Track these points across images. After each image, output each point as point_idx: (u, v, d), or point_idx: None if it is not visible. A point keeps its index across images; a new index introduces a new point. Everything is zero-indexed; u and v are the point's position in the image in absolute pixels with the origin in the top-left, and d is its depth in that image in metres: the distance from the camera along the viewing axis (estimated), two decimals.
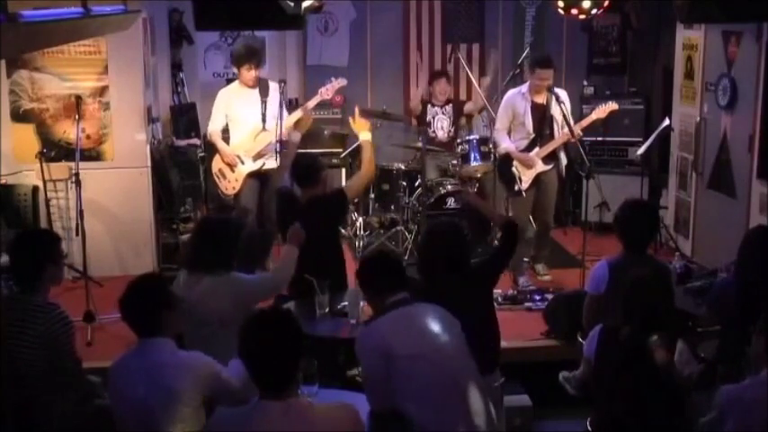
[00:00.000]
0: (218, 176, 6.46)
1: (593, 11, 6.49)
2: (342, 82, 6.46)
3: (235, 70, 6.40)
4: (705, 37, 6.80)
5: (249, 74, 6.26)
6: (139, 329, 3.30)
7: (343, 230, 7.27)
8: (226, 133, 6.51)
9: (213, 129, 6.46)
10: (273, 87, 6.37)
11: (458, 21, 8.51)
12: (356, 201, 6.96)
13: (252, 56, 6.26)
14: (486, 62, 8.33)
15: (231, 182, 6.38)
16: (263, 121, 6.33)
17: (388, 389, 3.31)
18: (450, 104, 7.77)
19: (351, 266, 6.45)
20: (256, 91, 6.35)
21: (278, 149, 6.11)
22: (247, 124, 6.37)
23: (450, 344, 3.38)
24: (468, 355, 3.44)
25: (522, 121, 6.45)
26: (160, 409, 3.15)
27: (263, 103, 6.34)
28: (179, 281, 4.03)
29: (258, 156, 6.34)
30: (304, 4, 4.16)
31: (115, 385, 3.30)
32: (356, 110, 5.68)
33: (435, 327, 3.40)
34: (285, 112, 6.24)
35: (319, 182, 5.03)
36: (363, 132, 5.33)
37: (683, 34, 7.16)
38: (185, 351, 3.35)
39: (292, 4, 3.81)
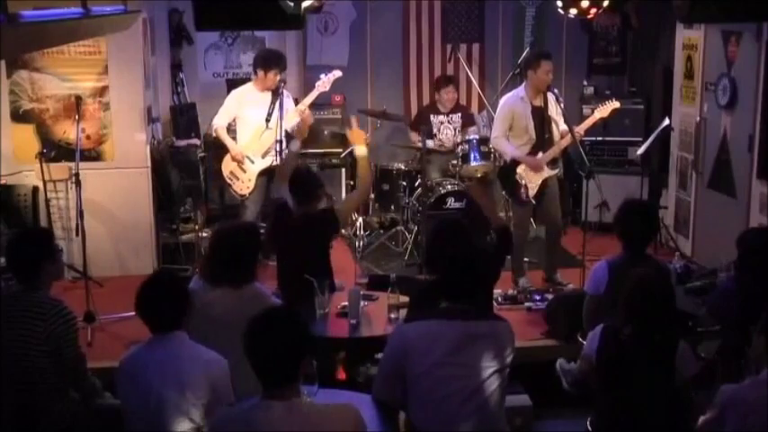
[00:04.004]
0: (230, 179, 6.57)
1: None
2: (337, 74, 6.54)
3: (260, 72, 6.44)
4: (705, 37, 6.80)
5: (275, 78, 6.41)
6: (159, 326, 3.31)
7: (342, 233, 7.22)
8: (231, 132, 6.67)
9: (219, 124, 6.57)
10: (287, 94, 6.50)
11: (458, 21, 8.52)
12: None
13: (280, 60, 6.49)
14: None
15: (245, 182, 6.52)
16: (267, 120, 6.46)
17: (396, 387, 3.30)
18: (458, 113, 7.68)
19: (351, 267, 6.52)
20: (269, 95, 6.48)
21: (278, 149, 6.15)
22: (253, 125, 6.52)
23: (470, 385, 3.26)
24: (488, 406, 3.29)
25: (525, 127, 6.18)
26: (172, 401, 3.17)
27: (273, 105, 6.44)
28: (197, 286, 4.04)
29: (266, 153, 6.49)
30: (304, 4, 4.16)
31: (128, 378, 3.30)
32: (353, 120, 5.67)
33: (467, 358, 3.27)
34: (290, 106, 6.41)
35: (317, 199, 4.95)
36: (359, 146, 5.14)
37: (683, 34, 7.16)
38: (200, 345, 3.35)
39: (292, 4, 3.82)
